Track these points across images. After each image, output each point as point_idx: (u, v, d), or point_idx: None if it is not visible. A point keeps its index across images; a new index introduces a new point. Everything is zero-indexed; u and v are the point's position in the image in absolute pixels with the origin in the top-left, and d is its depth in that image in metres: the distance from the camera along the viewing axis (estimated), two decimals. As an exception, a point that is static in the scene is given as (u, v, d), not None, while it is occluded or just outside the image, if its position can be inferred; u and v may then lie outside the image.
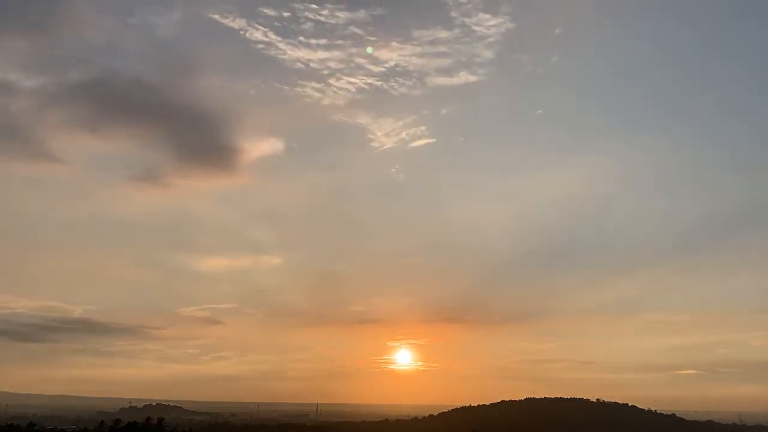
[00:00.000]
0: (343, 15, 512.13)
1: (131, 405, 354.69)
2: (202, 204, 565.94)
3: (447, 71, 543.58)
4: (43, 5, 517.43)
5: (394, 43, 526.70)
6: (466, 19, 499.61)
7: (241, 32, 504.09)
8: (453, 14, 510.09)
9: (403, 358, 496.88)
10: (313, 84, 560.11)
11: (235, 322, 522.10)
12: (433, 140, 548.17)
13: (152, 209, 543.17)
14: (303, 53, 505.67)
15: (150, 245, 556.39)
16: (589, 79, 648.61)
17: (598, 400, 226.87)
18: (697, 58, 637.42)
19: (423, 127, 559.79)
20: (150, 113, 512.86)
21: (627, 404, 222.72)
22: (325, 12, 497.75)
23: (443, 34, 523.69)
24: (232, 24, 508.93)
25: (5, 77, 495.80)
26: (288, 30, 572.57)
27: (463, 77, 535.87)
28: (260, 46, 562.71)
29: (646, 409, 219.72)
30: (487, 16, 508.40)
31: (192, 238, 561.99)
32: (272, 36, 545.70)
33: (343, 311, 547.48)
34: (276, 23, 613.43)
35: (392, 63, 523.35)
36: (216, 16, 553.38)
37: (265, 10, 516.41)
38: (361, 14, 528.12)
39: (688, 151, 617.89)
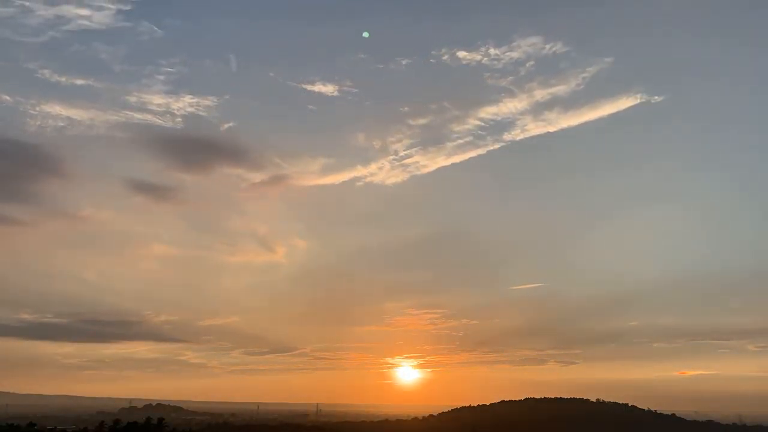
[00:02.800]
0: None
1: (131, 405, 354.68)
2: (221, 211, 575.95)
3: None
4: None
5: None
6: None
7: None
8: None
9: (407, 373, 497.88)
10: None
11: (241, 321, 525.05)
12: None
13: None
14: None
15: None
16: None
17: (598, 400, 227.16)
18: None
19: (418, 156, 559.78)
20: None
21: (627, 404, 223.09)
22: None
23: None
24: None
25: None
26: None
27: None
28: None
29: (646, 409, 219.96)
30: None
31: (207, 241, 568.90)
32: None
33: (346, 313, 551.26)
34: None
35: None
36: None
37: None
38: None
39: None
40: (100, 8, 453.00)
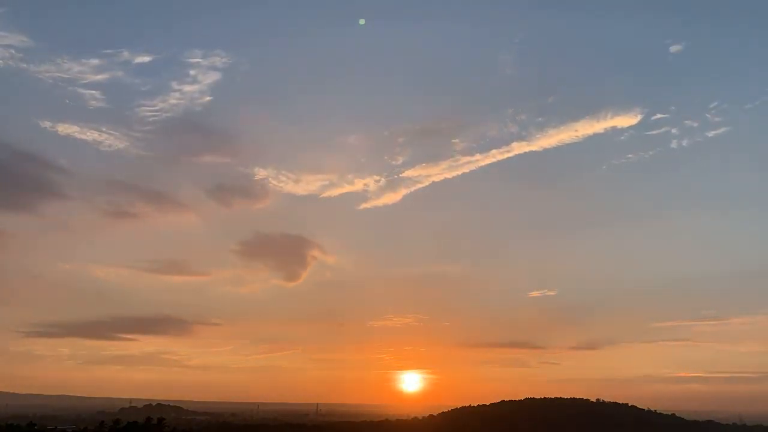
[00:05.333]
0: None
1: (131, 405, 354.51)
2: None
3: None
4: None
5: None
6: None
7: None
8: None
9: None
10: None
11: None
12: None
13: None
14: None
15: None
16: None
17: (598, 400, 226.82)
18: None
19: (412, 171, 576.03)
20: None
21: (627, 404, 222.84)
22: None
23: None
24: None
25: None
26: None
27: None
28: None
29: (646, 409, 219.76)
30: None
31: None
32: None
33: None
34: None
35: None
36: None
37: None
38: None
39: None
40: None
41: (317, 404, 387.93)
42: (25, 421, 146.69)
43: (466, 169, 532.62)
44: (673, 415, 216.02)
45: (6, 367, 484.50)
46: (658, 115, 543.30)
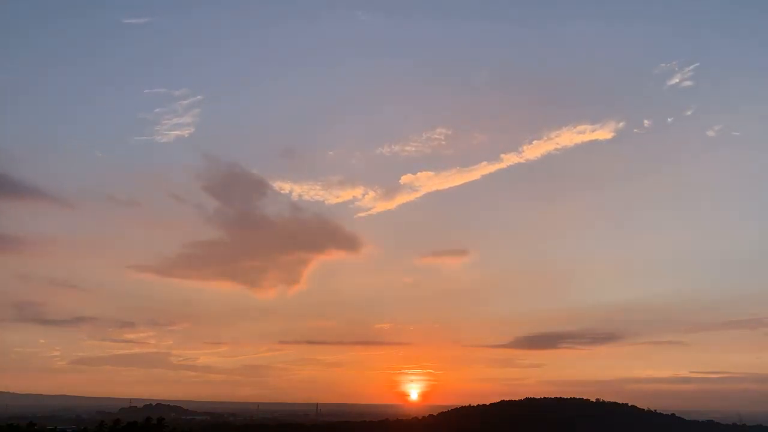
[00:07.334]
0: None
1: (131, 405, 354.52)
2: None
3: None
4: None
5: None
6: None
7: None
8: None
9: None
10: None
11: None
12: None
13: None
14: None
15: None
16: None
17: (598, 400, 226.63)
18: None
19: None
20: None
21: (627, 404, 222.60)
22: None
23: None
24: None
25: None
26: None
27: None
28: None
29: (646, 409, 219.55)
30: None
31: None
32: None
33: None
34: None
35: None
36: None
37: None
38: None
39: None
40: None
41: (317, 404, 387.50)
42: (25, 421, 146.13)
43: (459, 181, 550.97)
44: (673, 415, 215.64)
45: (5, 368, 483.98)
46: (635, 130, 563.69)
